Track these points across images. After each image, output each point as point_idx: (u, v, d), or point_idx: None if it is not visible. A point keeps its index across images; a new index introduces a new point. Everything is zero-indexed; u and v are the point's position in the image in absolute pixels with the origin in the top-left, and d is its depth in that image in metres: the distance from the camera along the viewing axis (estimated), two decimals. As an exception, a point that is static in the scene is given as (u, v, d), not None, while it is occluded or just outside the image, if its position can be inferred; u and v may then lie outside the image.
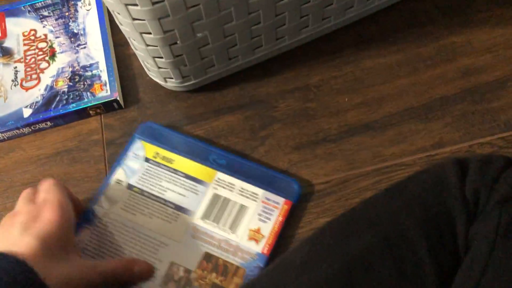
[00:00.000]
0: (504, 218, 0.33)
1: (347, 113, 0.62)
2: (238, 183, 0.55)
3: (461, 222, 0.34)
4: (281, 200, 0.54)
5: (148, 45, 0.53)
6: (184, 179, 0.55)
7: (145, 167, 0.56)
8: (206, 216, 0.53)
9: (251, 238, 0.52)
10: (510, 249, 0.32)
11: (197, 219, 0.53)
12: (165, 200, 0.54)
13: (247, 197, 0.54)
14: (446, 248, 0.34)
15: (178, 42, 0.53)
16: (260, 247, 0.51)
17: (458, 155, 0.58)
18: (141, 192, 0.54)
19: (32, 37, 0.69)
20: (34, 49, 0.68)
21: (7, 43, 0.68)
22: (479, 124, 0.60)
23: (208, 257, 0.51)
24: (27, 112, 0.63)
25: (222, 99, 0.64)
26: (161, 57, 0.55)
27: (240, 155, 0.59)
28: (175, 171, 0.55)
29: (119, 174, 0.56)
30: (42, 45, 0.68)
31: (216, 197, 0.54)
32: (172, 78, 0.60)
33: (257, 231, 0.52)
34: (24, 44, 0.68)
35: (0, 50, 0.68)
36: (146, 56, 0.56)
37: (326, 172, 0.58)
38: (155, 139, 0.58)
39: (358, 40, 0.67)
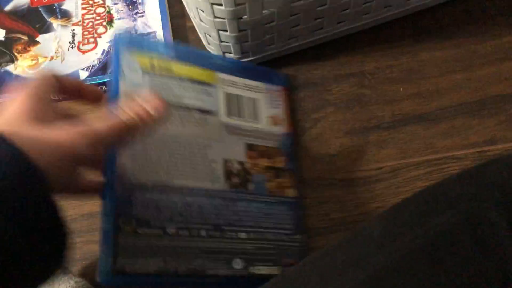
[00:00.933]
0: None
1: (401, 103, 0.62)
2: (239, 80, 0.57)
3: None
4: (279, 88, 0.60)
5: (216, 17, 0.54)
6: (193, 84, 0.53)
7: (147, 80, 0.50)
8: (229, 113, 0.55)
9: (274, 123, 0.58)
10: None
11: (223, 117, 0.54)
12: (187, 107, 0.52)
13: (254, 91, 0.58)
14: None
15: (245, 16, 0.53)
16: (284, 128, 0.58)
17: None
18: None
19: (91, 2, 0.69)
20: (92, 14, 0.68)
21: (65, 6, 0.69)
22: (533, 125, 0.60)
23: (250, 146, 0.54)
24: (83, 75, 0.63)
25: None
26: (226, 30, 0.56)
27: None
28: (180, 78, 0.52)
29: (124, 86, 0.49)
30: (100, 10, 0.69)
31: (228, 95, 0.55)
32: (231, 53, 0.60)
33: (275, 116, 0.58)
34: (83, 8, 0.69)
35: (58, 12, 0.68)
36: (211, 28, 0.57)
37: (378, 159, 0.58)
38: (143, 48, 0.52)
39: (415, 32, 0.67)
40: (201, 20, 0.57)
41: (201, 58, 0.56)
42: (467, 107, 0.61)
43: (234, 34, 0.56)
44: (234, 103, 0.55)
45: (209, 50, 0.64)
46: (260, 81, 0.59)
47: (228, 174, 0.51)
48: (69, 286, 0.48)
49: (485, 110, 0.61)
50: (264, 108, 0.58)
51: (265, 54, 0.62)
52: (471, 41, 0.66)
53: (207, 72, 0.55)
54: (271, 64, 0.64)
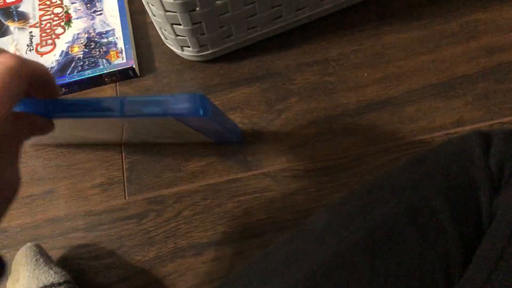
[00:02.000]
0: None
1: (367, 88, 0.60)
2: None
3: (485, 193, 0.34)
4: None
5: (166, 11, 0.52)
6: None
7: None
8: None
9: None
10: None
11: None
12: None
13: None
14: (470, 218, 0.34)
15: (197, 8, 0.52)
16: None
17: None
18: None
19: (48, 2, 0.68)
20: (50, 14, 0.67)
21: (22, 8, 0.67)
22: (501, 104, 0.58)
23: None
24: (42, 78, 0.62)
25: (239, 70, 0.63)
26: (179, 24, 0.54)
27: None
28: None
29: None
30: (57, 10, 0.67)
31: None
32: (189, 46, 0.59)
33: None
34: (40, 9, 0.67)
35: (15, 14, 0.67)
36: (164, 23, 0.55)
37: (343, 147, 0.57)
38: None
39: (379, 15, 0.65)
40: (153, 15, 0.55)
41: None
42: (433, 89, 0.60)
43: (188, 28, 0.54)
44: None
45: (168, 45, 0.63)
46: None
47: None
48: (49, 276, 0.48)
49: (452, 91, 0.60)
50: None
51: (225, 46, 0.61)
52: (437, 21, 0.64)
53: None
54: (232, 56, 0.63)
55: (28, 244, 0.51)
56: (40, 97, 0.33)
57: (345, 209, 0.36)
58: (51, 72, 0.41)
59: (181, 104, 0.35)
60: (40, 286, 0.47)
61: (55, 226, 0.56)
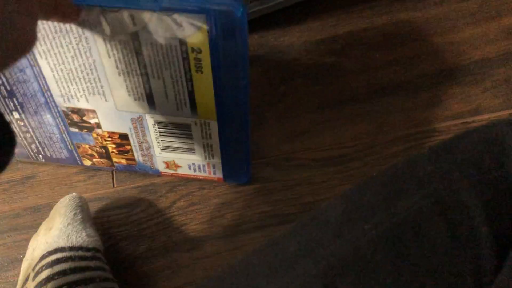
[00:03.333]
0: None
1: (378, 71, 0.56)
2: (214, 141, 0.48)
3: None
4: (217, 175, 0.51)
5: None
6: (185, 93, 0.43)
7: (172, 44, 0.38)
8: (160, 124, 0.47)
9: (166, 163, 0.51)
10: None
11: (151, 117, 0.46)
12: (147, 83, 0.43)
13: (204, 152, 0.49)
14: (504, 216, 0.31)
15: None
16: (164, 170, 0.52)
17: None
18: (137, 51, 0.40)
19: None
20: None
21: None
22: (522, 91, 0.55)
23: (123, 136, 0.48)
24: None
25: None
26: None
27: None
28: (188, 80, 0.41)
29: (141, 15, 0.38)
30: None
31: (186, 126, 0.47)
32: (185, 20, 0.53)
33: (176, 166, 0.51)
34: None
35: None
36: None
37: (352, 135, 0.53)
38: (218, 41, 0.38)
39: (393, -10, 0.60)
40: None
41: None
42: (449, 74, 0.56)
43: (185, -1, 0.49)
44: None
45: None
46: None
47: None
48: (80, 238, 0.46)
49: (469, 76, 0.56)
50: None
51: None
52: (455, -1, 0.60)
53: None
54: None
55: (73, 194, 0.49)
56: None
57: (365, 198, 0.33)
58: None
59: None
60: (68, 245, 0.45)
61: (36, 216, 0.51)
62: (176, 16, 0.35)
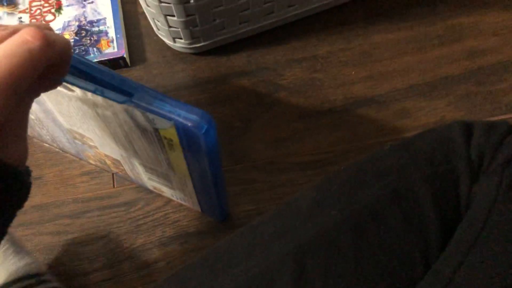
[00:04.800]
0: (505, 177, 0.35)
1: (353, 86, 0.62)
2: (191, 191, 0.49)
3: (465, 181, 0.36)
4: (196, 208, 0.55)
5: (161, 2, 0.53)
6: (162, 157, 0.44)
7: (146, 126, 0.39)
8: (145, 166, 0.48)
9: (153, 187, 0.54)
10: (509, 206, 0.34)
11: (136, 160, 0.47)
12: (130, 141, 0.44)
13: (184, 192, 0.51)
14: (449, 204, 0.36)
15: (192, 0, 0.52)
16: (154, 190, 0.55)
17: (459, 133, 0.59)
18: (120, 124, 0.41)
19: (38, -12, 0.67)
20: (40, 0, 0.66)
21: (12, -8, 0.67)
22: (481, 105, 0.61)
23: (116, 160, 0.51)
24: (31, 64, 0.61)
25: (229, 64, 0.64)
26: (173, 15, 0.55)
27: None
28: (163, 151, 0.42)
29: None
30: (48, -3, 0.67)
31: (166, 174, 0.48)
32: (181, 38, 0.59)
33: (162, 191, 0.54)
34: (30, -5, 0.67)
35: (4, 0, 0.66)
36: (158, 14, 0.56)
37: (330, 142, 0.59)
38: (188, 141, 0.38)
39: (368, 15, 0.67)
40: (147, 5, 0.56)
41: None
42: (417, 89, 0.62)
43: (181, 19, 0.55)
44: None
45: (160, 36, 0.63)
46: None
47: None
48: (20, 268, 0.47)
49: (435, 91, 0.62)
50: None
51: (217, 40, 0.61)
52: (423, 23, 0.66)
53: None
54: (223, 49, 0.64)
55: None
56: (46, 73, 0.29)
57: (332, 189, 0.38)
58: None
59: (187, 114, 0.34)
60: (11, 279, 0.45)
61: (42, 213, 0.56)
62: (148, 113, 0.35)
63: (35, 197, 0.57)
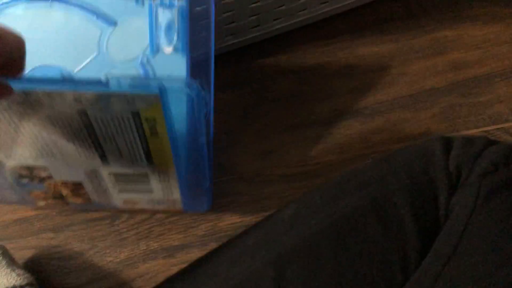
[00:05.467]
0: (483, 188, 0.35)
1: (339, 98, 0.63)
2: (172, 184, 0.47)
3: (443, 193, 0.36)
4: (177, 207, 0.52)
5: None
6: (140, 152, 0.41)
7: (124, 116, 0.36)
8: (116, 175, 0.45)
9: (125, 201, 0.50)
10: (486, 217, 0.34)
11: (106, 170, 0.44)
12: (99, 147, 0.40)
13: (163, 191, 0.48)
14: (428, 214, 0.36)
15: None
16: (123, 207, 0.52)
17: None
18: (87, 125, 0.38)
19: None
20: None
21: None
22: (465, 117, 0.61)
23: (78, 184, 0.46)
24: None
25: (216, 76, 0.64)
26: (159, 28, 0.55)
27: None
28: (143, 142, 0.40)
29: (87, 96, 0.34)
30: None
31: (143, 175, 0.45)
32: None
33: (135, 203, 0.50)
34: None
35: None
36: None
37: (316, 154, 0.59)
38: (171, 107, 0.37)
39: (353, 28, 0.68)
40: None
41: None
42: (402, 101, 0.63)
43: (167, 32, 0.55)
44: None
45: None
46: None
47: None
48: (11, 279, 0.47)
49: (420, 103, 0.62)
50: None
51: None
52: (408, 36, 0.67)
53: None
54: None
55: None
56: None
57: (313, 200, 0.38)
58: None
59: (170, 79, 0.32)
60: None
61: (25, 227, 0.55)
62: (128, 94, 0.33)
63: (17, 211, 0.56)
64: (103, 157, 0.42)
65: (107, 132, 0.37)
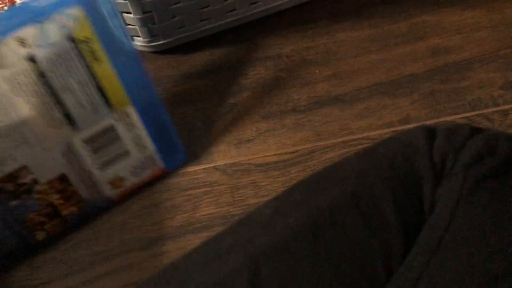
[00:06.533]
0: (468, 180, 0.34)
1: (317, 85, 0.61)
2: (140, 129, 0.48)
3: (428, 184, 0.35)
4: (159, 166, 0.53)
5: (116, -2, 0.51)
6: (94, 90, 0.42)
7: (64, 47, 0.39)
8: (89, 141, 0.46)
9: (111, 183, 0.51)
10: (472, 208, 0.33)
11: (78, 139, 0.45)
12: (59, 101, 0.42)
13: (137, 146, 0.49)
14: (412, 207, 0.35)
15: (148, -3, 0.51)
16: (113, 194, 0.52)
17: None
18: (40, 74, 0.39)
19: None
20: (-9, -2, 0.63)
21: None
22: (445, 103, 0.61)
23: (62, 178, 0.47)
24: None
25: (191, 63, 0.62)
26: (130, 13, 0.53)
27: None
28: (91, 75, 0.42)
29: (27, 33, 0.38)
30: (0, -7, 0.64)
31: (110, 128, 0.46)
32: (139, 36, 0.58)
33: (121, 180, 0.51)
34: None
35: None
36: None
37: (294, 142, 0.58)
38: (96, 21, 0.40)
39: (332, 13, 0.66)
40: (102, 3, 0.54)
41: (137, 80, 0.45)
42: (382, 87, 0.61)
43: (138, 16, 0.53)
44: (104, 138, 0.47)
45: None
46: (156, 145, 0.50)
47: (11, 178, 0.44)
48: None
49: (399, 89, 0.61)
50: (123, 167, 0.50)
51: (177, 37, 0.60)
52: (387, 21, 0.66)
53: (122, 96, 0.45)
54: (184, 48, 0.62)
55: None
56: None
57: (292, 197, 0.37)
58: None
59: None
60: None
61: None
62: (56, 16, 0.34)
63: None
64: (69, 117, 0.42)
65: (57, 74, 0.39)
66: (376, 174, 0.36)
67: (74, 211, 0.50)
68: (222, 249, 0.35)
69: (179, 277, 0.35)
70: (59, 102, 0.41)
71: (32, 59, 0.37)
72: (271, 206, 0.37)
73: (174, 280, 0.35)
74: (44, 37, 0.36)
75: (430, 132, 0.37)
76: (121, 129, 0.46)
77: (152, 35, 0.57)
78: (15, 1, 0.63)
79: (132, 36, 0.58)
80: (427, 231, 0.34)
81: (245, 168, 0.56)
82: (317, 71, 0.62)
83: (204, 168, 0.56)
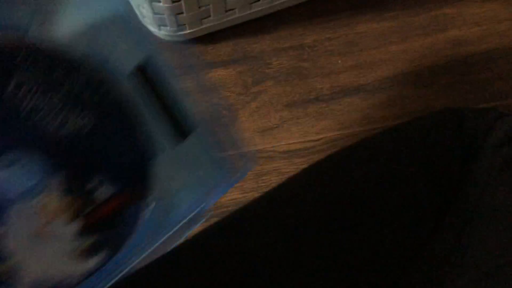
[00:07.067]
0: (497, 160, 0.35)
1: (340, 75, 0.62)
2: None
3: (457, 163, 0.36)
4: None
5: (147, -13, 0.52)
6: None
7: None
8: None
9: None
10: (501, 186, 0.34)
11: None
12: None
13: None
14: (443, 185, 0.36)
15: (178, -14, 0.52)
16: None
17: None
18: None
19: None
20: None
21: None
22: (465, 94, 0.61)
23: None
24: None
25: (216, 52, 0.63)
26: (159, 1, 0.54)
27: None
28: None
29: None
30: None
31: None
32: (166, 25, 0.59)
33: None
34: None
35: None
36: (143, 0, 0.55)
37: (317, 130, 0.59)
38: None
39: (353, 4, 0.67)
40: (132, -9, 0.55)
41: None
42: (403, 78, 0.62)
43: (167, 5, 0.54)
44: None
45: (144, 23, 0.62)
46: None
47: None
48: None
49: (420, 80, 0.62)
50: None
51: (202, 27, 0.61)
52: (408, 13, 0.67)
53: None
54: (209, 38, 0.63)
55: None
56: None
57: (324, 170, 0.38)
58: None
59: None
60: None
61: None
62: None
63: None
64: None
65: None
66: (408, 152, 0.37)
67: None
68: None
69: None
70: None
71: None
72: (300, 179, 0.38)
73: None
74: None
75: (458, 113, 0.38)
76: None
77: (179, 24, 0.59)
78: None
79: (159, 26, 0.60)
80: (455, 211, 0.35)
81: (269, 155, 0.58)
82: (339, 61, 0.63)
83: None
